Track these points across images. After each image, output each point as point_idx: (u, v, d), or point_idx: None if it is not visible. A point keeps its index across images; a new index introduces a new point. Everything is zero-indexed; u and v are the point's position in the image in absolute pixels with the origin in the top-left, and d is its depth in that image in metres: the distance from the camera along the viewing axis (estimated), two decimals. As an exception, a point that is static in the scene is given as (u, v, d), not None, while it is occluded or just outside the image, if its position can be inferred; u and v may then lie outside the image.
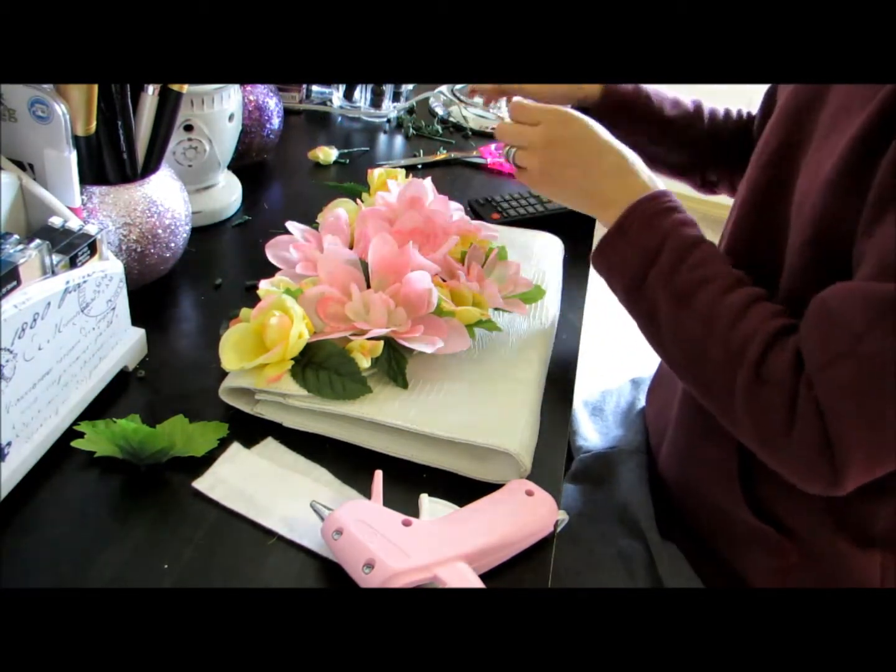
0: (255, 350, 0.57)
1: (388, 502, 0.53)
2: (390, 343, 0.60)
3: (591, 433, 0.87)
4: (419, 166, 1.03)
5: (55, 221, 0.56)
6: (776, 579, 0.66)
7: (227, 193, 0.87)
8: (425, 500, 0.53)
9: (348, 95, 1.15)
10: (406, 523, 0.50)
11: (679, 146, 0.86)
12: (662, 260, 0.58)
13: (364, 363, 0.58)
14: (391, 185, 0.76)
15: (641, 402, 0.88)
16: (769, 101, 0.77)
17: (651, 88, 0.85)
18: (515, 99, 0.70)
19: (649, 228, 0.59)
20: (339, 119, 1.14)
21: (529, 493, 0.54)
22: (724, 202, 0.94)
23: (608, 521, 0.74)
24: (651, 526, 0.71)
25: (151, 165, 0.69)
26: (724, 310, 0.55)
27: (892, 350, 0.48)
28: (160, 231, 0.68)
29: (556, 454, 0.61)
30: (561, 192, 0.67)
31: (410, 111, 1.17)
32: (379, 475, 0.54)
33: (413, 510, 0.52)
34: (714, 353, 0.55)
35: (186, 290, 0.74)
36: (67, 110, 0.58)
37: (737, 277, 0.58)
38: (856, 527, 0.63)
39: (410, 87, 1.22)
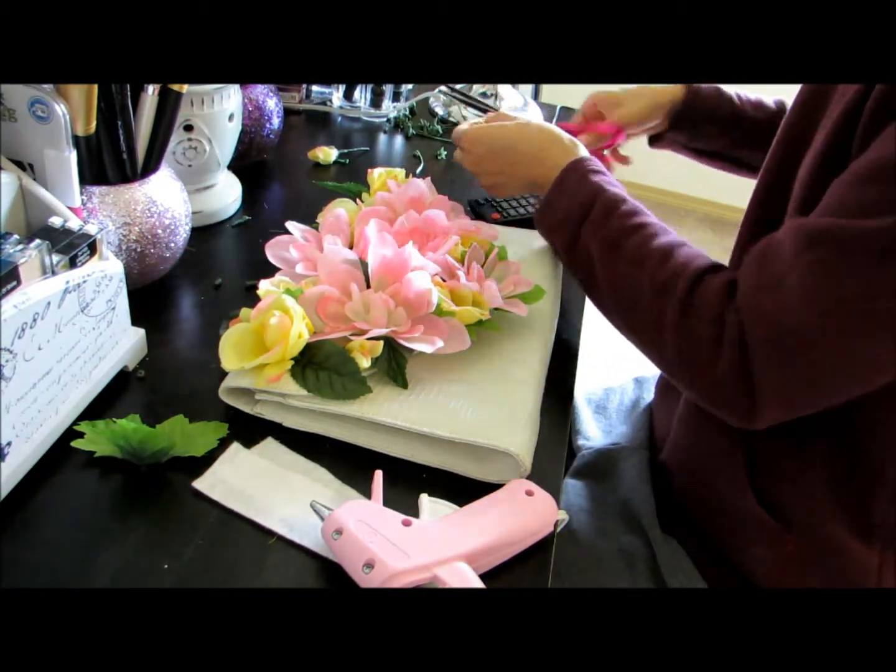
0: (255, 350, 0.57)
1: (388, 502, 0.53)
2: (390, 343, 0.60)
3: (594, 431, 0.87)
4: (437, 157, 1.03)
5: (55, 221, 0.56)
6: (775, 571, 0.66)
7: (227, 193, 0.87)
8: (425, 500, 0.53)
9: (348, 95, 1.15)
10: (406, 523, 0.50)
11: (763, 148, 0.83)
12: (595, 212, 0.63)
13: (364, 363, 0.58)
14: (391, 185, 0.77)
15: (645, 400, 0.88)
16: None
17: (733, 90, 0.85)
18: (458, 128, 0.79)
19: (582, 185, 0.66)
20: (339, 119, 1.14)
21: (529, 493, 0.54)
22: (721, 201, 0.93)
23: (610, 516, 0.74)
24: (653, 522, 0.71)
25: (151, 165, 0.69)
26: (653, 251, 0.59)
27: (813, 286, 0.49)
28: (160, 231, 0.68)
29: (556, 454, 0.61)
30: (506, 191, 0.78)
31: (410, 111, 1.17)
32: (379, 475, 0.54)
33: (413, 510, 0.52)
34: (644, 291, 0.58)
35: (186, 290, 0.74)
36: (67, 110, 0.58)
37: (663, 226, 0.62)
38: (854, 516, 0.63)
39: (410, 87, 1.22)
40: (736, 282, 0.56)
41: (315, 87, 1.16)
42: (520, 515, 0.52)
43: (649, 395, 0.88)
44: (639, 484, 0.74)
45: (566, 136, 0.73)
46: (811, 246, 0.50)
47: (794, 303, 0.50)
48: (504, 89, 1.19)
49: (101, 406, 0.59)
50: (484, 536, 0.50)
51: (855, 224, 0.48)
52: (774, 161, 0.65)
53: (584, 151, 0.71)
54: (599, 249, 0.62)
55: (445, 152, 1.07)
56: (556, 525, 0.54)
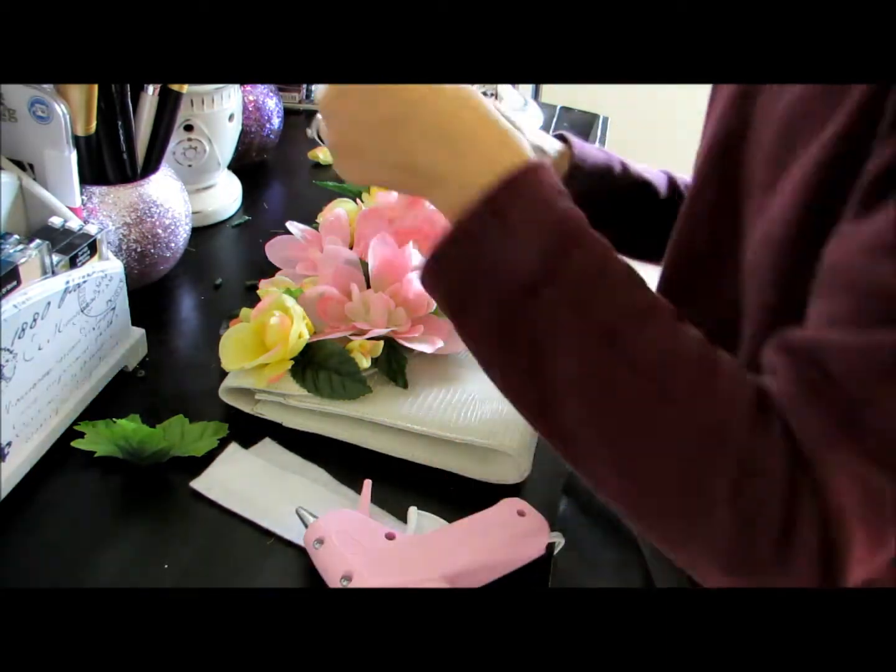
0: (255, 350, 0.57)
1: (386, 502, 0.53)
2: (390, 343, 0.60)
3: None
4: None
5: (55, 221, 0.56)
6: None
7: (227, 193, 0.87)
8: (413, 513, 0.52)
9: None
10: (390, 537, 0.48)
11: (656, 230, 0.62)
12: (570, 274, 0.38)
13: (364, 363, 0.58)
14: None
15: None
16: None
17: (626, 160, 0.65)
18: None
19: (544, 216, 0.39)
20: (339, 119, 1.14)
21: (521, 514, 0.52)
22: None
23: (602, 530, 0.73)
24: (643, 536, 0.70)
25: (151, 165, 0.69)
26: (678, 362, 0.37)
27: None
28: (160, 231, 0.68)
29: (555, 456, 0.61)
30: (361, 168, 0.45)
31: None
32: (368, 484, 0.52)
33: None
34: (669, 427, 0.36)
35: (186, 290, 0.74)
36: (67, 110, 0.58)
37: (674, 310, 0.39)
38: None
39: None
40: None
41: (315, 87, 1.16)
42: (509, 537, 0.50)
43: None
44: None
45: (497, 122, 0.43)
46: (891, 375, 0.34)
47: (888, 451, 0.35)
48: (504, 89, 1.19)
49: (101, 406, 0.59)
50: (469, 557, 0.48)
51: None
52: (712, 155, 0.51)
53: (529, 150, 0.42)
54: (575, 336, 0.37)
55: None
56: (551, 547, 0.52)
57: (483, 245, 0.39)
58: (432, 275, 0.41)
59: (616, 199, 0.62)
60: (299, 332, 0.56)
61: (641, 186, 0.64)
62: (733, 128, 0.48)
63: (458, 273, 0.40)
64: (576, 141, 0.61)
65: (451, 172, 0.41)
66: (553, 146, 0.60)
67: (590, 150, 0.62)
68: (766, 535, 0.35)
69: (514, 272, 0.38)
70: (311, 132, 0.52)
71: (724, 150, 0.49)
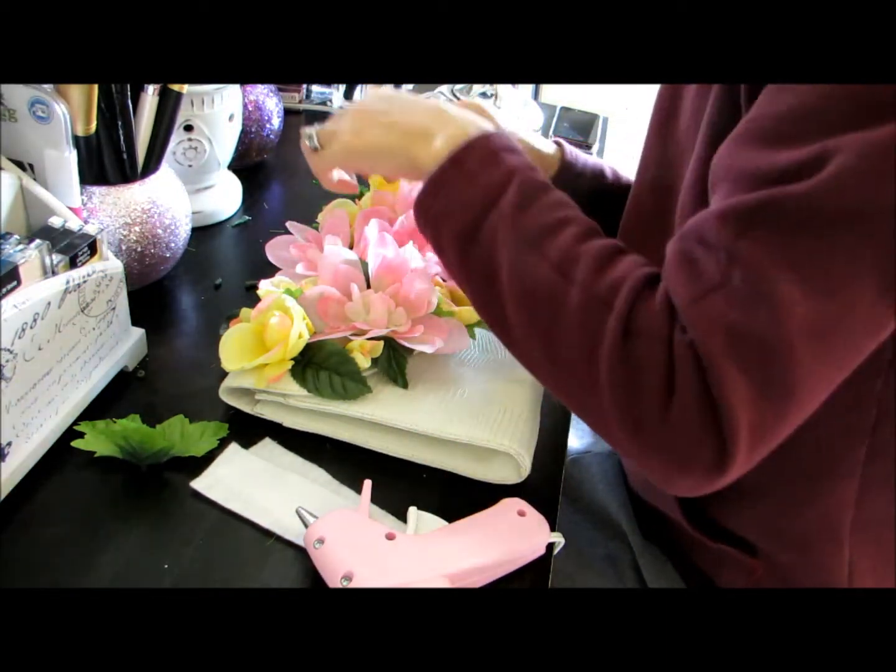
0: (255, 350, 0.57)
1: (385, 502, 0.53)
2: (390, 343, 0.60)
3: (570, 438, 0.85)
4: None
5: (55, 221, 0.56)
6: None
7: (227, 193, 0.87)
8: (413, 513, 0.52)
9: (348, 95, 1.15)
10: (390, 537, 0.48)
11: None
12: (508, 199, 0.48)
13: (364, 363, 0.58)
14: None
15: None
16: None
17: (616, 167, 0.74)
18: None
19: (493, 163, 0.50)
20: (339, 119, 1.14)
21: (521, 514, 0.52)
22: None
23: (593, 525, 0.73)
24: (633, 529, 0.69)
25: (151, 165, 0.69)
26: (585, 256, 0.46)
27: (765, 264, 0.40)
28: (160, 231, 0.68)
29: (555, 456, 0.61)
30: (370, 145, 0.55)
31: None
32: (368, 485, 0.52)
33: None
34: (572, 305, 0.45)
35: (186, 290, 0.74)
36: (67, 110, 0.58)
37: (595, 226, 0.49)
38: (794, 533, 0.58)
39: (410, 87, 1.22)
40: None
41: (315, 87, 1.16)
42: (509, 538, 0.50)
43: None
44: (614, 490, 0.72)
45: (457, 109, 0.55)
46: (747, 230, 0.42)
47: (747, 300, 0.41)
48: (504, 89, 1.19)
49: (101, 406, 0.59)
50: (469, 557, 0.48)
51: (784, 192, 0.41)
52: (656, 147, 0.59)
53: (489, 125, 0.53)
54: (511, 246, 0.47)
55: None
56: (551, 547, 0.52)
57: (446, 188, 0.50)
58: (417, 219, 0.52)
59: (607, 194, 0.71)
60: (299, 332, 0.56)
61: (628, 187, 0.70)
62: (666, 102, 0.59)
63: (432, 216, 0.51)
64: (567, 144, 0.71)
65: (435, 132, 0.52)
66: (547, 146, 0.71)
67: (580, 153, 0.72)
68: (650, 391, 0.42)
69: (467, 207, 0.49)
70: (309, 131, 0.58)
71: (663, 121, 0.59)
